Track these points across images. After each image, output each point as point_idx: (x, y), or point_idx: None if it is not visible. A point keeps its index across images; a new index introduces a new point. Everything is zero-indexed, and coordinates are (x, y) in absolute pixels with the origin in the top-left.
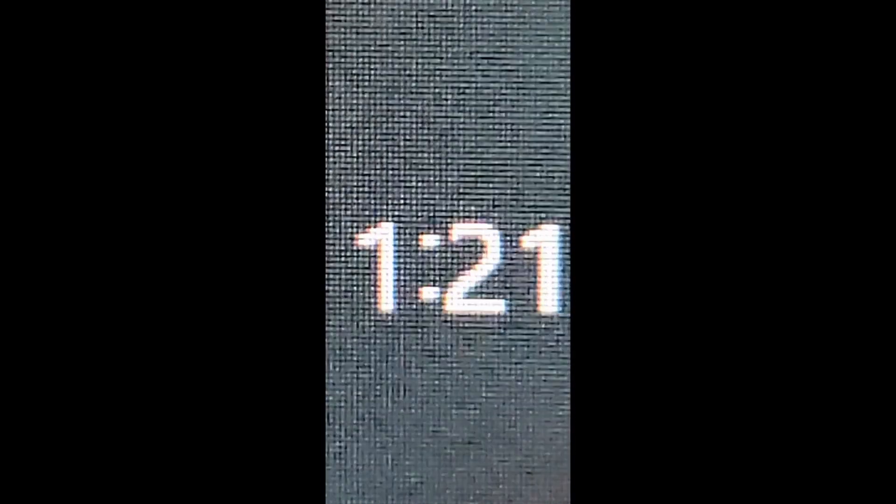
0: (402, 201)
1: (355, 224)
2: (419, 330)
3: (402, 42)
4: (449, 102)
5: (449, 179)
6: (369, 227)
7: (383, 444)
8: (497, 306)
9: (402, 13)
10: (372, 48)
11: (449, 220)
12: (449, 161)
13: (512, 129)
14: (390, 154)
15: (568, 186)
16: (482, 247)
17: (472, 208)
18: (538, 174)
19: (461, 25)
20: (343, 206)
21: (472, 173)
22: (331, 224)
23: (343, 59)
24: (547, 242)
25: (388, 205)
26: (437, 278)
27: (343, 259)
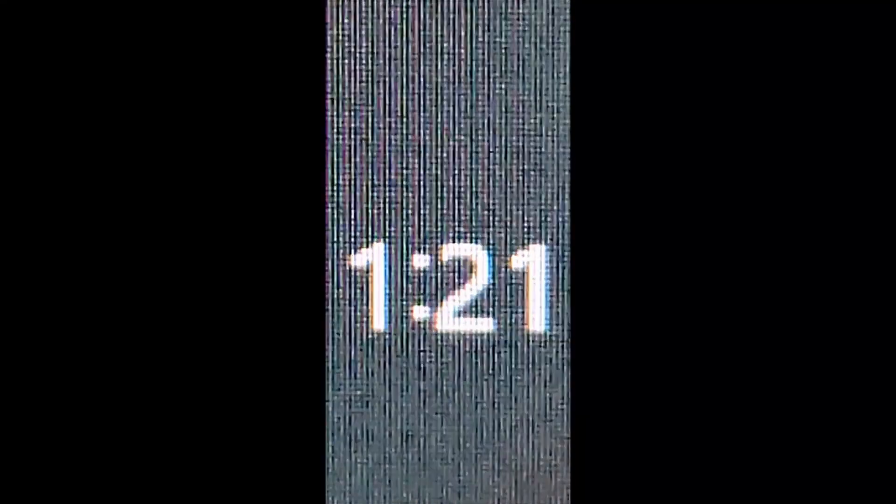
0: (393, 222)
1: (348, 245)
2: (410, 347)
3: (392, 64)
4: (439, 124)
5: (439, 201)
6: (362, 247)
7: (376, 459)
8: (486, 325)
9: (396, 35)
10: (365, 70)
11: (439, 240)
12: (439, 183)
13: (501, 152)
14: (382, 177)
15: (555, 208)
16: (472, 267)
17: (462, 229)
18: (526, 196)
19: (452, 47)
20: (336, 228)
21: (462, 195)
22: (325, 245)
23: (337, 81)
24: (534, 262)
25: (379, 226)
26: (428, 297)
27: (336, 279)
